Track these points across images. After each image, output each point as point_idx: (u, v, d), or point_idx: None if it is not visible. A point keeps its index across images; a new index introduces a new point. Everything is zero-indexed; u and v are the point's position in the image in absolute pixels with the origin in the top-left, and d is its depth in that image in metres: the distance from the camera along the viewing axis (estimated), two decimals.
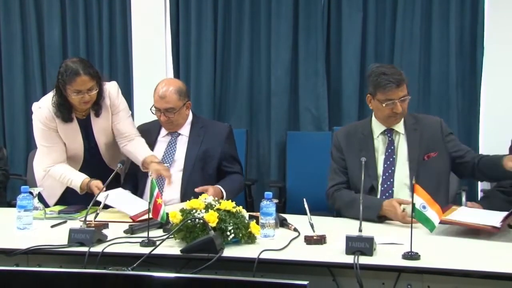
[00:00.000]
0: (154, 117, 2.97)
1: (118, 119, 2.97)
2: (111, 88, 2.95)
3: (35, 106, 2.90)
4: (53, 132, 2.88)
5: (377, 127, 2.72)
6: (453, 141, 2.73)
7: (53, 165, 2.90)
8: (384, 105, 2.61)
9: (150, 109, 2.91)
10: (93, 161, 2.98)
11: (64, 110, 2.83)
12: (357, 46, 3.93)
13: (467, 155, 2.69)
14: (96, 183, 2.79)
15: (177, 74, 4.16)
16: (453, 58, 3.84)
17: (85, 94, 2.76)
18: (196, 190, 2.71)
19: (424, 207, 1.98)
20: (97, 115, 2.91)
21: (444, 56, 3.87)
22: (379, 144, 2.71)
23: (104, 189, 2.58)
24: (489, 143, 3.81)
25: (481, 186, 3.85)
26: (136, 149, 2.95)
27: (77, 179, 2.86)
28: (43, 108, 2.86)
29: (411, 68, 3.88)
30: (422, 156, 2.66)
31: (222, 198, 2.74)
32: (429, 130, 2.71)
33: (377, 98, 2.63)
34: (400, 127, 2.71)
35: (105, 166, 3.01)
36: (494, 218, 2.24)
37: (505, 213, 2.23)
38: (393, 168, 2.65)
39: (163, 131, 3.00)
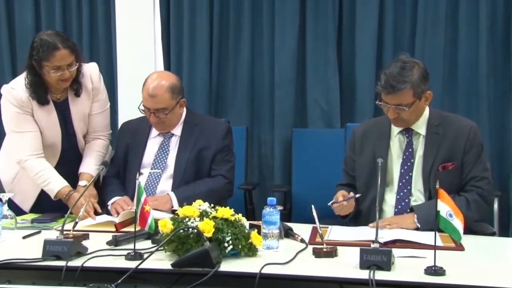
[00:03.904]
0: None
1: (95, 109, 2.99)
2: (92, 69, 2.97)
3: (5, 88, 2.89)
4: (29, 116, 2.88)
5: None
6: (471, 159, 2.60)
7: (31, 157, 2.87)
8: (381, 103, 2.59)
9: (139, 108, 2.89)
10: (70, 153, 2.99)
11: (39, 91, 2.84)
12: (373, 30, 3.92)
13: (468, 186, 2.60)
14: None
15: (167, 65, 4.16)
16: (483, 44, 3.82)
17: (64, 70, 2.78)
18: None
19: (450, 215, 1.98)
20: (77, 94, 2.93)
21: (473, 42, 3.85)
22: (395, 145, 2.68)
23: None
24: None
25: None
26: (86, 156, 2.99)
27: (56, 183, 2.85)
28: (16, 89, 2.86)
29: (435, 56, 3.87)
30: (436, 165, 2.60)
31: (172, 208, 2.72)
32: (454, 136, 2.62)
33: None
34: (421, 127, 2.65)
35: (80, 156, 3.03)
36: (366, 233, 2.35)
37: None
38: (410, 174, 2.63)
39: (154, 131, 2.99)
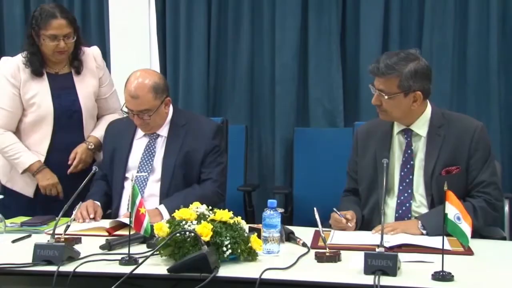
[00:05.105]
0: None
1: (104, 92, 3.17)
2: (95, 51, 3.17)
3: (3, 59, 3.09)
4: (14, 93, 2.99)
5: (398, 124, 2.66)
6: (477, 163, 2.55)
7: (1, 132, 3.01)
8: (373, 87, 2.60)
9: (121, 109, 2.93)
10: (68, 134, 3.08)
11: (35, 60, 2.99)
12: (378, 25, 3.93)
13: (475, 192, 2.56)
14: (55, 186, 2.99)
15: (163, 60, 4.17)
16: (494, 38, 3.83)
17: (60, 40, 2.93)
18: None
19: (458, 218, 1.99)
20: (78, 72, 3.07)
21: (484, 36, 3.86)
22: (396, 146, 2.67)
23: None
24: None
25: None
26: (99, 122, 3.21)
27: (27, 157, 2.99)
28: (12, 59, 3.04)
29: (443, 51, 3.87)
30: (438, 169, 2.56)
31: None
32: (457, 137, 2.57)
33: None
34: (422, 128, 2.61)
35: (82, 138, 3.13)
36: (371, 238, 2.36)
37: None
38: (410, 177, 2.62)
39: (140, 132, 2.97)
